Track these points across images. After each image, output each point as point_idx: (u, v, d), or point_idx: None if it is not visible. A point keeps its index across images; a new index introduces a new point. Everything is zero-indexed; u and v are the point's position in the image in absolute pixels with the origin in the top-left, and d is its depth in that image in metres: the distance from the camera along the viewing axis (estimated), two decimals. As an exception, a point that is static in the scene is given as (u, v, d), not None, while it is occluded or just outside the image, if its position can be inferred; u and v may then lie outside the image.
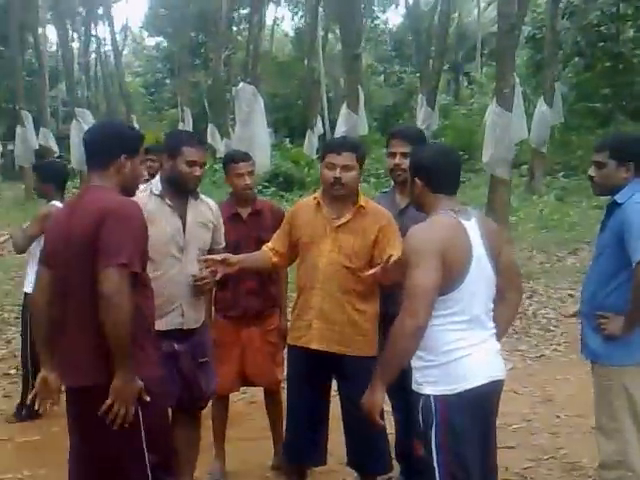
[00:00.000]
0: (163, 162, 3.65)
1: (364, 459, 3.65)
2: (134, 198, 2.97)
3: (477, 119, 21.17)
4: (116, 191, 2.83)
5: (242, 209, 4.17)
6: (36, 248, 4.78)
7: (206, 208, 3.65)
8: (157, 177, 3.64)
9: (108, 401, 2.64)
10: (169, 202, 3.50)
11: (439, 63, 19.75)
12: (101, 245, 2.62)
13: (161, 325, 3.31)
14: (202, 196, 3.67)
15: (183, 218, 3.52)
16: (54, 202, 4.95)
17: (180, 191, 3.52)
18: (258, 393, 5.51)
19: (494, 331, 2.86)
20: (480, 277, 2.75)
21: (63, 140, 20.89)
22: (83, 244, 2.67)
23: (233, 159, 4.21)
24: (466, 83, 34.88)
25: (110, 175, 2.83)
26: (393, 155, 3.79)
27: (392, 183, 3.94)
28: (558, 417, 5.11)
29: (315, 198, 3.65)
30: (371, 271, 3.30)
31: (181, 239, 3.50)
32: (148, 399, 2.74)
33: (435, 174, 2.82)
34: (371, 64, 35.74)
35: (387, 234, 3.50)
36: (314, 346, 3.55)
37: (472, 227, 2.78)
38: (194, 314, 3.57)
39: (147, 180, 5.70)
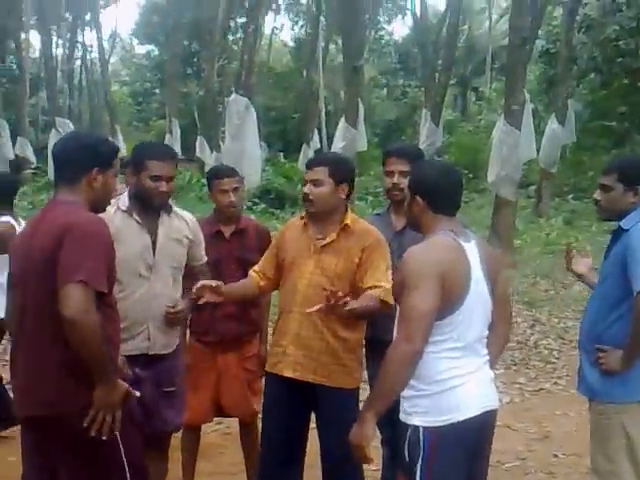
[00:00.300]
0: (128, 177, 3.67)
1: None
2: (102, 214, 2.96)
3: (484, 137, 21.28)
4: (84, 207, 2.81)
5: (225, 227, 4.16)
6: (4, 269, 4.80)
7: (181, 222, 3.62)
8: (125, 192, 3.64)
9: (92, 411, 2.64)
10: (137, 218, 3.49)
11: (446, 77, 19.89)
12: (61, 262, 2.60)
13: (125, 349, 3.29)
14: (177, 210, 3.65)
15: (153, 235, 3.50)
16: (4, 217, 4.93)
17: (147, 207, 3.51)
18: (233, 424, 5.48)
19: (487, 358, 2.86)
20: (477, 302, 2.76)
21: (42, 150, 20.94)
22: (42, 261, 2.65)
23: (217, 174, 4.20)
24: (474, 98, 35.07)
25: (80, 189, 2.81)
26: (391, 174, 3.77)
27: (388, 203, 3.93)
28: (555, 456, 5.08)
29: (302, 217, 3.66)
30: (314, 308, 3.27)
31: (150, 257, 3.48)
32: (138, 394, 2.82)
33: (437, 193, 2.84)
34: (374, 76, 35.94)
35: (371, 255, 3.46)
36: (287, 374, 3.53)
37: (471, 249, 2.79)
38: (163, 338, 3.55)
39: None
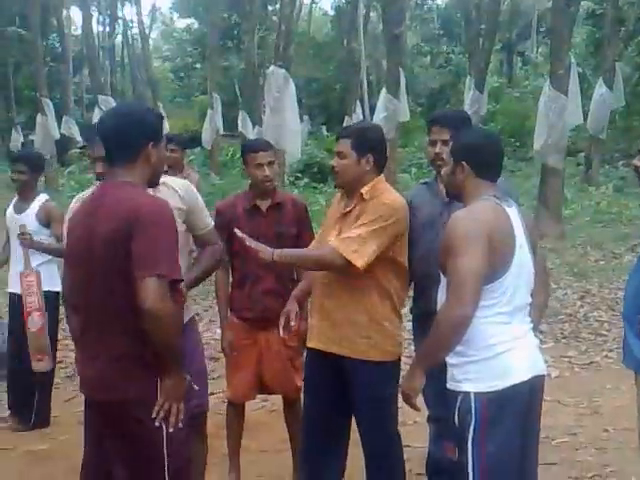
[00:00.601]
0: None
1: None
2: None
3: (531, 103, 20.89)
4: (143, 186, 2.74)
5: (261, 202, 4.13)
6: (17, 247, 5.04)
7: (169, 193, 3.37)
8: None
9: (160, 401, 2.64)
10: None
11: (490, 42, 19.48)
12: (135, 253, 2.55)
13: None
14: (166, 180, 3.39)
15: None
16: (42, 194, 5.25)
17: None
18: (278, 401, 5.51)
19: (531, 325, 2.88)
20: (522, 266, 2.77)
21: (88, 129, 21.15)
22: (110, 249, 2.59)
23: (252, 148, 4.16)
24: (520, 64, 34.42)
25: (137, 167, 2.71)
26: (433, 143, 3.67)
27: (434, 173, 3.84)
28: (606, 431, 4.99)
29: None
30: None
31: None
32: (197, 388, 2.88)
33: (482, 158, 2.85)
34: (416, 44, 35.48)
35: (361, 217, 3.37)
36: (312, 344, 3.55)
37: (514, 214, 2.80)
38: None
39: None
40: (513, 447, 2.72)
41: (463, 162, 2.85)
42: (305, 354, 3.79)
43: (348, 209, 3.48)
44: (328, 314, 3.48)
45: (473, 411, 2.68)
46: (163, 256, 2.57)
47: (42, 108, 20.37)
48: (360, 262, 3.27)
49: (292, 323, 3.67)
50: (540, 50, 30.56)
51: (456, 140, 2.96)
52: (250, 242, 3.27)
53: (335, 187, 3.65)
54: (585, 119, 14.95)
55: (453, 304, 2.64)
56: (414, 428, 4.56)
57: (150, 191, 3.28)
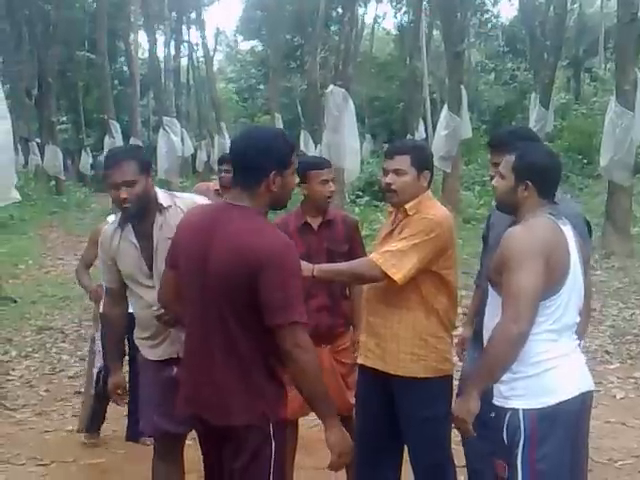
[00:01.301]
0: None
1: None
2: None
3: (599, 120, 20.49)
4: (264, 214, 2.74)
5: (313, 219, 4.13)
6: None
7: (177, 214, 3.29)
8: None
9: (333, 458, 2.65)
10: (130, 229, 3.40)
11: (555, 58, 19.31)
12: (267, 297, 2.56)
13: (157, 354, 3.42)
14: (177, 200, 3.43)
15: (150, 241, 3.38)
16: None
17: (131, 216, 3.37)
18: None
19: (578, 342, 2.85)
20: (574, 285, 2.75)
21: (155, 150, 21.65)
22: (233, 283, 2.60)
23: (317, 165, 4.16)
24: (588, 80, 33.88)
25: (258, 194, 2.70)
26: (494, 165, 3.55)
27: None
28: (672, 454, 4.85)
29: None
30: None
31: (144, 265, 3.38)
32: None
33: (548, 178, 2.84)
34: (481, 61, 35.31)
35: (403, 231, 3.36)
36: (360, 360, 3.55)
37: (568, 231, 2.78)
38: None
39: (217, 192, 5.93)
40: (563, 463, 2.68)
41: (528, 182, 2.82)
42: (357, 371, 3.79)
43: (394, 226, 3.49)
44: (373, 330, 3.48)
45: (522, 428, 2.66)
46: (297, 303, 2.59)
47: (110, 130, 20.96)
48: (398, 276, 3.25)
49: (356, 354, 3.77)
50: (608, 66, 30.00)
51: (521, 157, 2.89)
52: None
53: (392, 205, 3.55)
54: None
55: (509, 320, 2.61)
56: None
57: (158, 215, 3.37)
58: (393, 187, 3.41)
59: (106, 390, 4.43)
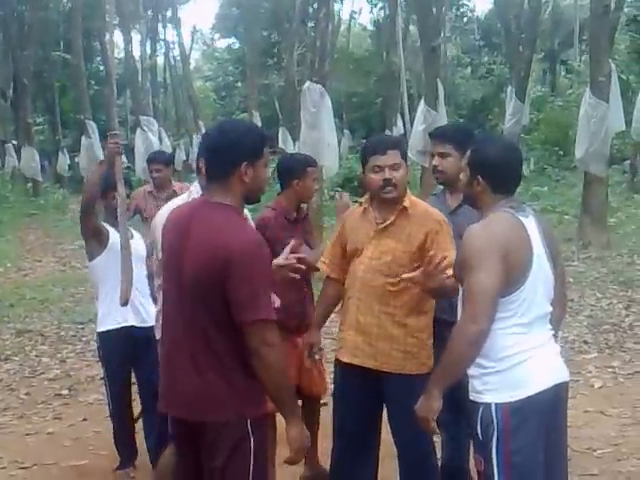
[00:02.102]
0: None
1: None
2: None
3: (575, 111, 20.60)
4: (238, 210, 2.73)
5: (297, 213, 4.32)
6: (104, 279, 4.39)
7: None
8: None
9: (291, 454, 2.69)
10: None
11: (530, 51, 19.36)
12: (234, 294, 2.57)
13: None
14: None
15: None
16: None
17: None
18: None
19: (552, 333, 2.86)
20: (539, 277, 2.74)
21: (133, 150, 21.52)
22: (205, 281, 2.61)
23: (311, 164, 4.35)
24: (563, 72, 34.09)
25: (231, 186, 2.70)
26: (432, 156, 3.86)
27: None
28: (650, 441, 4.90)
29: (360, 204, 3.65)
30: (409, 274, 3.22)
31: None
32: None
33: (499, 174, 2.81)
34: (457, 55, 35.42)
35: (437, 239, 3.42)
36: (346, 359, 3.55)
37: (530, 224, 2.78)
38: None
39: (152, 194, 6.07)
40: (537, 456, 2.69)
41: (479, 176, 2.83)
42: (334, 368, 3.81)
43: (387, 222, 3.49)
44: (363, 329, 3.49)
45: (495, 422, 2.67)
46: (263, 300, 2.60)
47: (87, 130, 20.82)
48: None
49: (317, 357, 3.88)
50: (584, 58, 30.15)
51: (474, 152, 2.90)
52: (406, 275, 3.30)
53: (379, 200, 3.53)
54: (629, 126, 14.74)
55: (468, 320, 2.63)
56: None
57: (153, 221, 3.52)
58: (394, 181, 3.44)
59: (125, 410, 4.51)
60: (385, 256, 3.44)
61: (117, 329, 4.38)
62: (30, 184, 24.80)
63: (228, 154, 2.69)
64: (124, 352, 4.37)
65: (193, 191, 3.66)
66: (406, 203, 3.48)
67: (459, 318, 2.72)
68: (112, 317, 4.39)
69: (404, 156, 3.53)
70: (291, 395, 2.73)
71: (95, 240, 4.41)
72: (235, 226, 2.67)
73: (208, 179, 2.77)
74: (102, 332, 4.43)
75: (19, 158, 25.44)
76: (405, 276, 3.25)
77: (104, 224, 4.44)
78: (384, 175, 3.45)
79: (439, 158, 3.78)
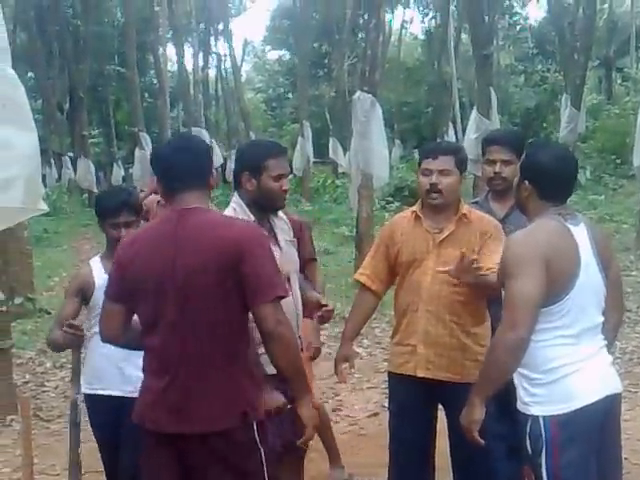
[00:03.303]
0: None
1: None
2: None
3: (632, 119, 20.25)
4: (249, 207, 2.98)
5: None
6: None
7: (282, 222, 3.50)
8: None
9: (309, 430, 2.74)
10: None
11: (585, 59, 19.04)
12: (252, 278, 2.58)
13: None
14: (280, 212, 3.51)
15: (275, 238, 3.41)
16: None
17: (267, 209, 3.40)
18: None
19: (604, 343, 2.78)
20: (588, 287, 2.67)
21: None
22: (213, 279, 2.59)
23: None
24: (620, 80, 33.52)
25: (209, 195, 2.83)
26: (491, 162, 3.77)
27: (486, 192, 3.95)
28: None
29: (413, 212, 3.60)
30: (445, 268, 3.27)
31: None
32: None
33: (547, 181, 2.76)
34: (510, 64, 35.08)
35: (488, 242, 3.39)
36: (420, 374, 3.48)
37: (580, 233, 2.71)
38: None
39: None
40: (589, 470, 2.62)
41: (526, 181, 2.79)
42: (389, 379, 3.76)
43: (449, 231, 3.46)
44: (435, 341, 3.45)
45: (544, 435, 2.62)
46: (278, 278, 2.66)
47: (140, 142, 21.14)
48: None
49: (353, 370, 3.81)
50: (640, 65, 29.68)
51: (527, 156, 2.87)
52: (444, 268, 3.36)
53: (429, 207, 3.50)
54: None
55: (507, 327, 2.59)
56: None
57: (277, 217, 3.47)
58: (439, 187, 3.41)
59: None
60: (449, 265, 3.35)
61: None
62: (86, 195, 25.31)
63: (204, 164, 2.84)
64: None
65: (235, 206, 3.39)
66: (464, 211, 3.46)
67: (499, 326, 2.67)
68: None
69: (460, 165, 3.48)
70: (305, 374, 2.75)
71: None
72: (233, 220, 2.85)
73: (180, 191, 2.73)
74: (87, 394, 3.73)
75: (75, 170, 26.03)
76: (439, 269, 3.30)
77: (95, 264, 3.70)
78: (431, 179, 3.42)
79: (502, 165, 3.71)
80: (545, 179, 2.75)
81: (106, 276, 3.08)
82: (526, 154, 2.88)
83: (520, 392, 2.71)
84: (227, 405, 2.64)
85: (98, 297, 3.28)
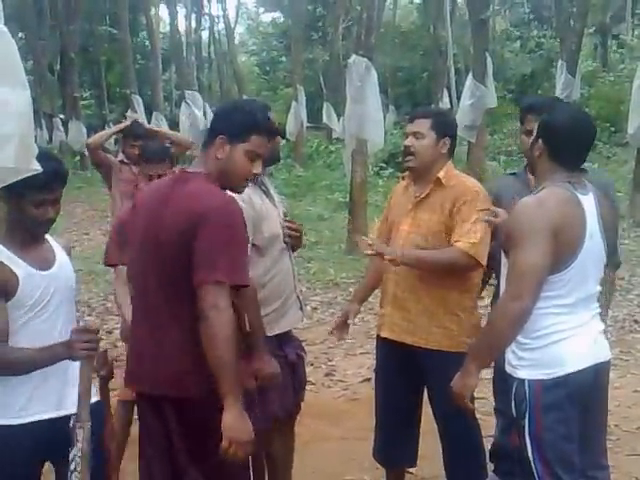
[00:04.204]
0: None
1: (456, 465, 3.57)
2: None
3: (627, 87, 20.17)
4: (212, 179, 2.66)
5: None
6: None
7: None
8: None
9: (224, 443, 2.45)
10: (262, 187, 3.45)
11: (581, 25, 18.86)
12: (197, 256, 2.50)
13: (280, 327, 3.38)
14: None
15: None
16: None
17: None
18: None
19: (598, 311, 2.79)
20: (590, 257, 2.67)
21: (177, 124, 21.65)
22: (174, 244, 2.56)
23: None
24: (615, 47, 33.29)
25: (208, 159, 2.69)
26: (529, 133, 3.61)
27: (525, 162, 3.81)
28: (702, 423, 4.81)
29: (404, 178, 3.64)
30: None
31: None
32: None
33: (561, 141, 2.72)
34: (506, 29, 34.79)
35: (461, 208, 3.34)
36: (384, 334, 3.55)
37: (589, 202, 2.69)
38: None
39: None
40: (571, 434, 2.64)
41: (539, 140, 2.76)
42: (376, 343, 3.78)
43: (422, 195, 3.45)
44: (402, 305, 3.47)
45: (528, 398, 2.64)
46: (225, 260, 2.50)
47: (133, 105, 20.97)
48: (484, 261, 3.30)
49: (349, 321, 3.77)
50: (636, 33, 29.50)
51: (544, 117, 2.85)
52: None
53: (405, 170, 3.60)
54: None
55: (511, 297, 2.58)
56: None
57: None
58: (412, 149, 3.41)
59: None
60: (421, 229, 3.40)
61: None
62: (78, 158, 25.12)
63: (212, 123, 2.73)
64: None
65: None
66: (440, 175, 3.41)
67: (501, 294, 2.67)
68: None
69: (438, 128, 3.41)
70: (234, 372, 2.47)
71: None
72: (204, 191, 2.63)
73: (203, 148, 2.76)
74: None
75: (67, 132, 25.78)
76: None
77: None
78: (405, 142, 3.45)
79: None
80: (557, 139, 2.72)
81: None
82: (545, 113, 2.85)
83: (509, 355, 2.73)
84: (178, 371, 2.59)
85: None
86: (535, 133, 2.83)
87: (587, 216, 2.66)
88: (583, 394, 2.66)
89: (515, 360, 2.70)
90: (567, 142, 2.72)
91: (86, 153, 24.96)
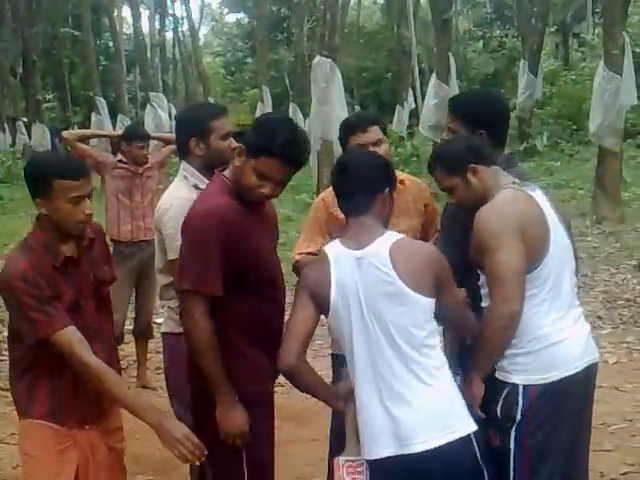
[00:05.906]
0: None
1: None
2: None
3: (588, 85, 20.39)
4: (230, 186, 2.67)
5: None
6: None
7: None
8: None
9: (221, 435, 2.62)
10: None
11: (542, 24, 19.18)
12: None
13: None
14: None
15: None
16: None
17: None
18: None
19: (581, 309, 2.79)
20: (561, 249, 2.69)
21: (142, 126, 21.53)
22: None
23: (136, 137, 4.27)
24: (576, 46, 33.70)
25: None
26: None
27: None
28: (665, 417, 4.88)
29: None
30: None
31: None
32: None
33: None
34: (469, 29, 35.07)
35: (433, 215, 3.48)
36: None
37: (540, 197, 2.72)
38: None
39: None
40: (562, 440, 2.64)
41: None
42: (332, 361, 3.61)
43: None
44: None
45: (520, 403, 2.61)
46: (195, 270, 2.54)
47: (97, 107, 20.79)
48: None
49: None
50: (596, 31, 29.84)
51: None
52: None
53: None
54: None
55: (499, 301, 2.56)
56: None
57: None
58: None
59: None
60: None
61: None
62: (41, 161, 24.78)
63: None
64: None
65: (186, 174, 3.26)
66: (402, 176, 3.36)
67: (488, 303, 2.64)
68: None
69: (384, 131, 3.42)
70: (214, 376, 2.58)
71: None
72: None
73: None
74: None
75: (30, 135, 25.45)
76: None
77: None
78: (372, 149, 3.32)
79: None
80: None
81: None
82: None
83: (502, 360, 2.67)
84: None
85: None
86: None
87: (544, 210, 2.68)
88: (577, 396, 2.67)
89: (509, 365, 2.66)
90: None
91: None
